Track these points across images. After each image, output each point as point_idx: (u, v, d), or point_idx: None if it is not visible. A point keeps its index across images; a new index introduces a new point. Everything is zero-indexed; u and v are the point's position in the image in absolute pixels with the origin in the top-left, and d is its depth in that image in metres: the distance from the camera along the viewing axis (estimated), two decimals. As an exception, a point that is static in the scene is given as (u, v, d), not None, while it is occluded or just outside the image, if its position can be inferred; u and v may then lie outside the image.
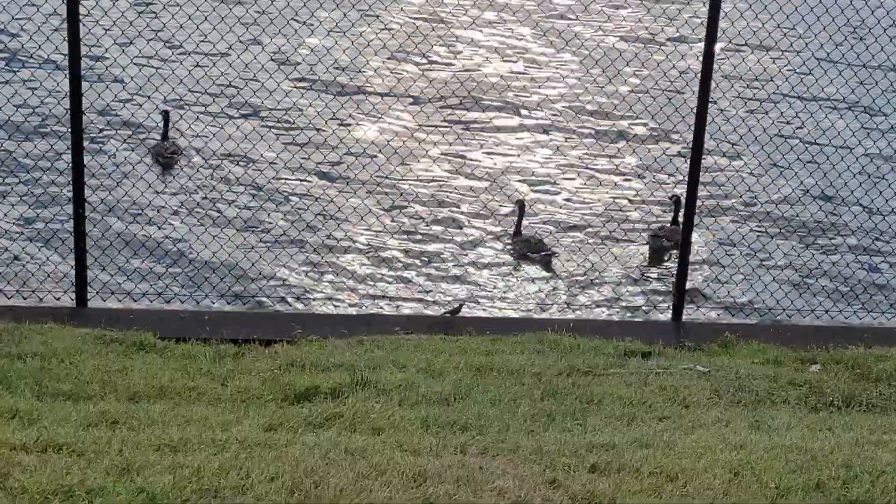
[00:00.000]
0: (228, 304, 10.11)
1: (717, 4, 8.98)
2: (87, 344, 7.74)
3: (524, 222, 12.35)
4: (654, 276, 11.83)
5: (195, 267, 10.90)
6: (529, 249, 12.11)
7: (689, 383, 7.57)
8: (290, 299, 10.56)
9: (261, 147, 13.40)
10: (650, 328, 9.70)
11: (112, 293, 9.83)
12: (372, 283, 11.22)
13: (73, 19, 8.57)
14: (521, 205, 12.37)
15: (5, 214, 11.53)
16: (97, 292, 9.53)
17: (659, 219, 12.78)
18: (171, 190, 12.53)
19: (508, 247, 12.29)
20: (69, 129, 8.91)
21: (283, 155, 13.15)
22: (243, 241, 11.59)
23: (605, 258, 11.68)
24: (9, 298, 9.41)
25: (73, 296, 9.17)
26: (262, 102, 14.43)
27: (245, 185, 12.87)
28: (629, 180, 13.81)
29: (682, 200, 11.46)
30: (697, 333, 9.30)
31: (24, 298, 9.45)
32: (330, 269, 11.38)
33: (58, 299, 9.48)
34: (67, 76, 8.69)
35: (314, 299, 10.45)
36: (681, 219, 11.74)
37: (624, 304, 11.06)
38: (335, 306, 10.44)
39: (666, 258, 12.22)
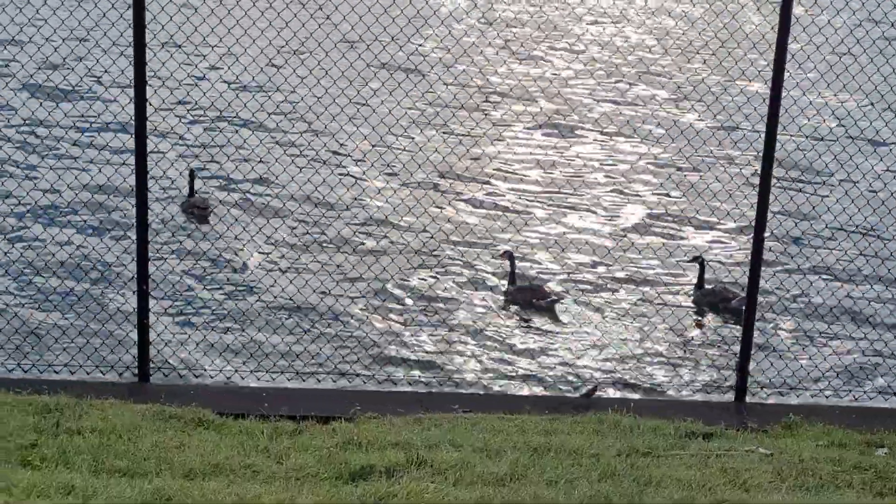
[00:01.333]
0: (288, 379, 10.12)
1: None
2: (146, 420, 7.78)
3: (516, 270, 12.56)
4: (714, 349, 11.70)
5: (256, 342, 10.97)
6: (532, 297, 12.29)
7: (751, 466, 7.43)
8: (349, 376, 10.56)
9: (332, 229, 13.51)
10: (712, 408, 9.54)
11: (174, 368, 9.90)
12: (432, 360, 11.21)
13: (140, 112, 8.70)
14: (510, 255, 12.59)
15: (71, 289, 11.70)
16: (159, 368, 9.60)
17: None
18: (232, 265, 12.64)
19: (506, 298, 12.51)
20: (133, 205, 9.04)
21: (349, 236, 13.23)
22: (303, 317, 11.67)
23: (661, 328, 11.63)
24: (73, 373, 9.50)
25: (136, 371, 9.24)
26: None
27: (315, 252, 12.96)
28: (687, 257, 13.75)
29: (705, 262, 12.31)
30: (760, 414, 9.15)
31: (88, 373, 9.54)
32: (390, 345, 11.39)
33: (120, 374, 9.57)
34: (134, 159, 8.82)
35: (374, 376, 10.43)
36: (705, 283, 12.51)
37: (685, 379, 10.93)
38: (394, 383, 10.41)
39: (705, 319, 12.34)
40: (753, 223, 9.27)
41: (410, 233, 13.93)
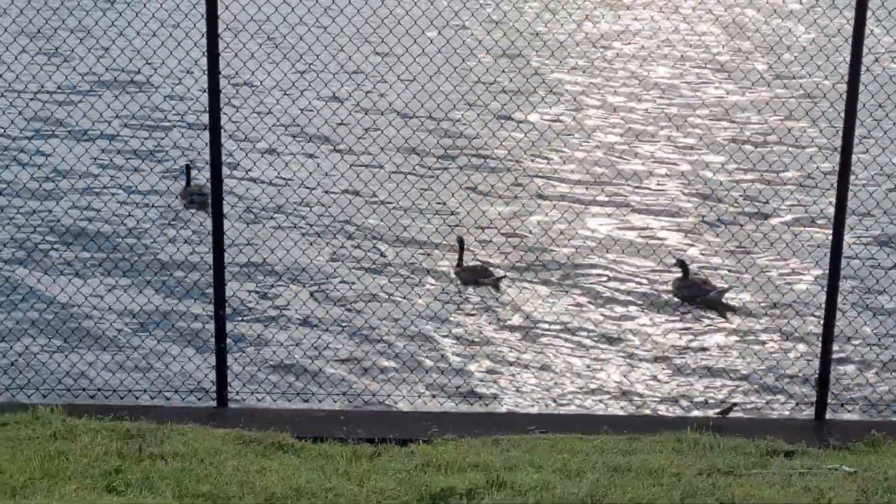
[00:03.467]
0: (365, 402, 10.16)
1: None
2: (227, 444, 7.84)
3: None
4: (792, 365, 11.58)
5: (332, 366, 11.04)
6: (478, 276, 13.23)
7: (835, 484, 7.32)
8: (425, 398, 10.58)
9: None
10: (792, 426, 9.41)
11: (252, 393, 9.98)
12: (505, 381, 11.21)
13: (214, 125, 8.81)
14: (460, 240, 13.53)
15: (149, 315, 11.86)
16: (237, 392, 9.69)
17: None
18: (309, 287, 12.72)
19: (453, 278, 13.33)
20: (210, 231, 9.12)
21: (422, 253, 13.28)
22: (376, 339, 11.74)
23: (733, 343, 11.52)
24: (152, 399, 9.62)
25: (214, 395, 9.32)
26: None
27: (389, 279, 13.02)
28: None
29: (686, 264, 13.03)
30: (842, 431, 9.00)
31: (167, 399, 9.65)
32: (464, 366, 11.41)
33: (199, 399, 9.66)
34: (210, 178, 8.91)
35: (450, 397, 10.45)
36: (691, 275, 13.15)
37: (762, 396, 10.82)
38: (470, 404, 10.42)
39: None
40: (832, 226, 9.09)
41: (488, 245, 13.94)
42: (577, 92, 20.68)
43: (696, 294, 13.08)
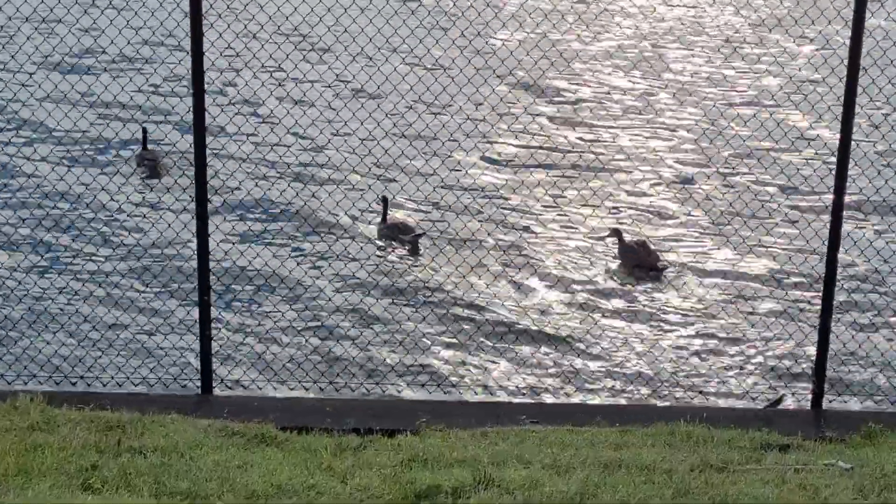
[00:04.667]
0: (352, 390, 9.98)
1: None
2: (209, 437, 7.65)
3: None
4: (787, 352, 11.41)
5: (319, 352, 10.86)
6: (398, 233, 13.51)
7: (831, 482, 7.14)
8: (414, 386, 10.41)
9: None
10: (788, 417, 9.24)
11: (237, 381, 9.81)
12: (494, 367, 11.05)
13: (199, 116, 8.60)
14: (385, 200, 13.83)
15: (132, 301, 11.66)
16: (222, 380, 9.50)
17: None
18: (296, 273, 12.52)
19: (375, 235, 13.76)
20: (194, 216, 8.93)
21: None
22: (366, 325, 11.57)
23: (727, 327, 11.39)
24: (135, 385, 9.44)
25: (199, 383, 9.14)
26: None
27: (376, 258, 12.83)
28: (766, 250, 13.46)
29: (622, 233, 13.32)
30: (838, 422, 8.82)
31: (151, 385, 9.47)
32: (453, 352, 11.24)
33: (183, 386, 9.49)
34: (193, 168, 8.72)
35: (439, 385, 10.26)
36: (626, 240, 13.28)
37: (758, 385, 10.64)
38: (460, 393, 10.24)
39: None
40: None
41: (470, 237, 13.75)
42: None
43: (636, 263, 13.19)
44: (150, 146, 15.82)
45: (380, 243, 13.69)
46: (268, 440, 7.75)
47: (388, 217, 13.92)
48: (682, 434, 8.02)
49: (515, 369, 11.01)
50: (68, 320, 11.15)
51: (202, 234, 8.90)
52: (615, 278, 13.21)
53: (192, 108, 8.46)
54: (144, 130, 15.77)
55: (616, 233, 13.54)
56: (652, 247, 13.36)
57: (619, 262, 13.42)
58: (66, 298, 11.74)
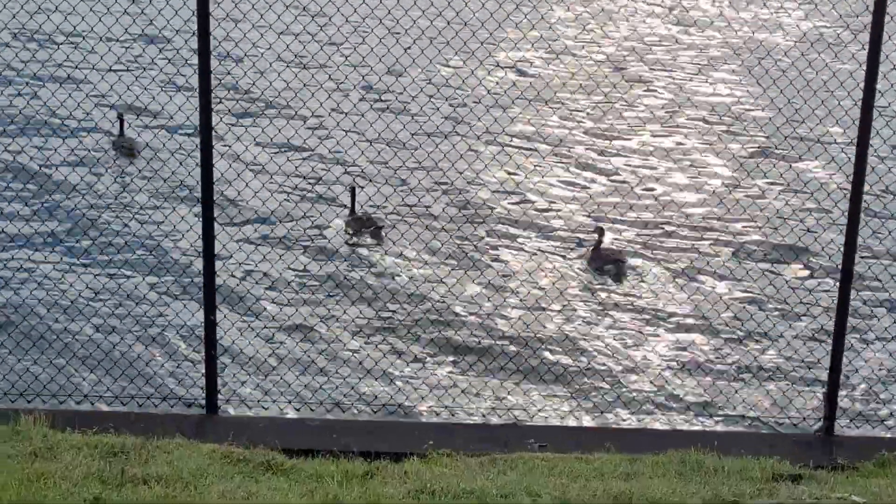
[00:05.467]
0: (358, 411, 9.89)
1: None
2: (214, 464, 7.54)
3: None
4: (797, 374, 11.29)
5: (325, 372, 10.77)
6: (362, 225, 13.97)
7: (845, 517, 7.04)
8: (423, 407, 10.31)
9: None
10: (799, 443, 9.12)
11: (242, 401, 9.71)
12: (504, 387, 10.95)
13: (206, 129, 8.51)
14: (352, 189, 14.19)
15: (137, 321, 11.58)
16: (227, 400, 9.41)
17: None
18: (302, 290, 12.44)
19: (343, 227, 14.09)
20: (200, 236, 8.84)
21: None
22: (374, 344, 11.48)
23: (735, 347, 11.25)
24: (140, 406, 9.34)
25: (203, 402, 9.05)
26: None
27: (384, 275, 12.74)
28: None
29: (604, 231, 13.69)
30: (851, 449, 8.71)
31: (155, 406, 9.37)
32: (461, 372, 11.14)
33: (188, 406, 9.40)
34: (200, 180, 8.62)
35: (447, 406, 10.15)
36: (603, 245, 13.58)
37: (770, 411, 10.52)
38: (468, 413, 10.14)
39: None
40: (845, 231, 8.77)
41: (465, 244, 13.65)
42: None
43: (600, 264, 13.57)
44: (126, 133, 16.32)
45: (349, 233, 14.05)
46: (273, 468, 7.65)
47: (355, 209, 14.22)
48: (692, 463, 7.90)
49: (519, 389, 10.91)
50: (71, 338, 11.05)
51: (208, 253, 8.81)
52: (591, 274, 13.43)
53: (200, 137, 8.36)
54: (121, 116, 16.23)
55: (600, 232, 13.75)
56: (623, 256, 13.68)
57: (589, 256, 13.74)
58: (69, 315, 11.64)
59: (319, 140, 16.27)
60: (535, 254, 13.89)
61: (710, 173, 16.57)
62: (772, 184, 15.75)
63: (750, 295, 13.06)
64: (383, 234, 13.94)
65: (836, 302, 8.94)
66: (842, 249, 8.84)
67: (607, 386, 11.07)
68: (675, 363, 11.57)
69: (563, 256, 14.00)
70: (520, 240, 14.26)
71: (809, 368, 11.27)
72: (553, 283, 12.90)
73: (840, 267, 8.92)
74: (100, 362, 10.52)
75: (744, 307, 12.67)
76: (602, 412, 10.56)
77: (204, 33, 8.34)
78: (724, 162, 16.78)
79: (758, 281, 13.21)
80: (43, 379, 10.02)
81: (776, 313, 12.59)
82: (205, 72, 8.38)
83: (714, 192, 15.65)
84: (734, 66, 20.52)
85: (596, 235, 13.79)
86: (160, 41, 17.70)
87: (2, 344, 10.95)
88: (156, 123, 16.47)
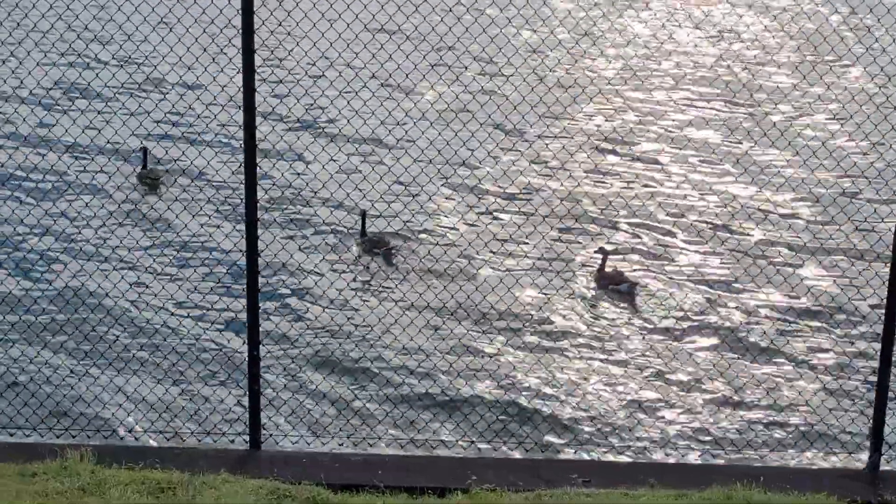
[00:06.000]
0: (402, 446, 9.90)
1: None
2: (261, 500, 7.57)
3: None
4: (840, 406, 11.21)
5: (368, 408, 10.81)
6: (373, 246, 14.24)
7: (892, 558, 6.97)
8: (463, 442, 10.31)
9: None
10: (845, 478, 9.04)
11: (284, 436, 9.74)
12: (549, 421, 10.94)
13: (250, 166, 8.57)
14: (363, 213, 14.56)
15: (181, 356, 11.66)
16: (270, 435, 9.44)
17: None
18: (344, 329, 12.50)
19: (355, 247, 14.45)
20: (244, 271, 8.88)
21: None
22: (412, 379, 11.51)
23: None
24: (184, 441, 9.38)
25: (247, 437, 9.08)
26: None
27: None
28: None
29: (607, 252, 13.85)
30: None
31: (199, 441, 9.41)
32: (503, 407, 11.14)
33: (232, 441, 9.42)
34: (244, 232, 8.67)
35: (489, 441, 10.15)
36: (607, 268, 13.72)
37: (815, 445, 10.44)
38: (511, 448, 10.13)
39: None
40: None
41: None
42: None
43: (606, 284, 13.67)
44: (149, 165, 16.53)
45: (361, 257, 14.37)
46: (320, 503, 7.67)
47: (366, 230, 14.55)
48: (739, 499, 7.87)
49: (558, 422, 10.91)
50: (116, 373, 11.14)
51: (252, 289, 8.85)
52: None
53: (245, 173, 8.41)
54: (145, 150, 16.46)
55: (603, 252, 13.89)
56: (626, 274, 13.81)
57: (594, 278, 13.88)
58: (114, 351, 11.74)
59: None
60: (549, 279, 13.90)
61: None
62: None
63: (785, 321, 13.04)
64: (393, 254, 14.23)
65: (881, 334, 8.88)
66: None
67: (642, 419, 11.03)
68: (708, 394, 11.52)
69: (575, 279, 14.04)
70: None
71: (854, 401, 11.20)
72: (571, 309, 12.95)
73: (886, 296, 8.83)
74: (144, 397, 10.59)
75: (778, 332, 12.63)
76: (644, 448, 10.53)
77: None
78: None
79: (796, 309, 13.17)
80: (88, 414, 10.09)
81: (818, 345, 12.53)
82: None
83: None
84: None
85: (600, 256, 13.93)
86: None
87: (48, 380, 11.03)
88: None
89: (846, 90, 19.71)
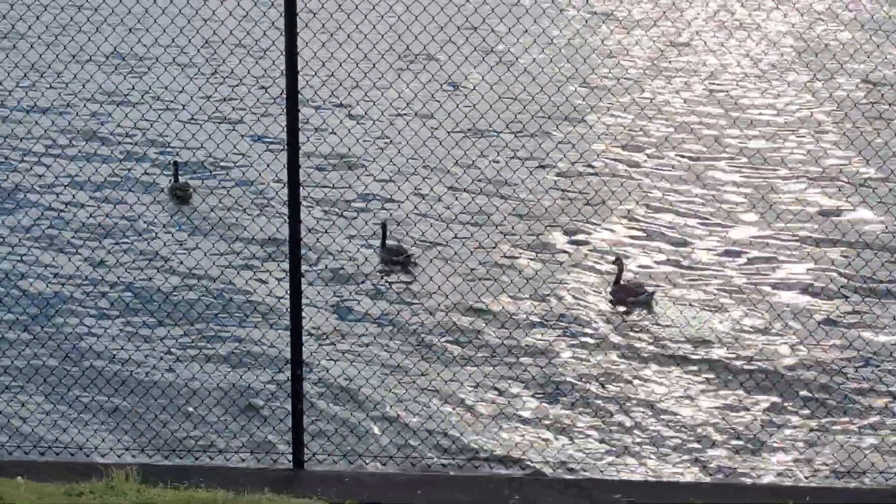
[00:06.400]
0: (443, 465, 9.92)
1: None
2: (304, 520, 7.61)
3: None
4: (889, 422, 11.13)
5: (408, 425, 10.83)
6: (394, 255, 14.50)
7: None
8: (507, 463, 10.30)
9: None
10: (886, 496, 8.95)
11: (328, 455, 9.77)
12: (593, 438, 10.92)
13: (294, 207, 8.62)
14: (384, 224, 14.79)
15: (224, 375, 11.74)
16: (313, 454, 9.47)
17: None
18: (386, 347, 12.53)
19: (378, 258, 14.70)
20: (287, 291, 8.93)
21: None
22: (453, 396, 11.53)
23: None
24: (227, 460, 9.43)
25: (290, 457, 9.12)
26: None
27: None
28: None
29: (623, 262, 13.85)
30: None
31: (243, 460, 9.46)
32: (546, 424, 11.14)
33: (275, 460, 9.47)
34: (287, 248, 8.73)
35: (531, 461, 10.14)
36: (623, 280, 13.76)
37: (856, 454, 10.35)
38: (553, 469, 10.11)
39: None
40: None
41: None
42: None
43: (624, 296, 13.67)
44: (181, 179, 16.79)
45: (380, 267, 14.56)
46: (361, 524, 7.69)
47: (386, 241, 14.80)
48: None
49: (596, 440, 10.90)
50: (160, 393, 11.22)
51: (295, 308, 8.89)
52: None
53: (288, 198, 8.46)
54: (175, 164, 16.68)
55: (618, 263, 13.91)
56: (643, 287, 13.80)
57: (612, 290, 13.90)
58: (158, 370, 11.83)
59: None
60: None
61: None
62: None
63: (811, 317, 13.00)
64: (412, 262, 14.45)
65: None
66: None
67: (682, 436, 10.99)
68: (747, 412, 11.46)
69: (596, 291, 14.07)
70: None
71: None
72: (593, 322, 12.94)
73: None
74: (188, 417, 10.66)
75: (810, 335, 12.58)
76: (685, 464, 10.49)
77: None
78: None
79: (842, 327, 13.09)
80: (133, 434, 10.17)
81: (861, 361, 12.45)
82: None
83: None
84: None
85: (615, 267, 13.94)
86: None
87: (93, 399, 11.13)
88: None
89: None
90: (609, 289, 13.92)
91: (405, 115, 15.87)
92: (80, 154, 17.18)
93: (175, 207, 16.53)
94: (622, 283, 13.80)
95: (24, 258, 14.15)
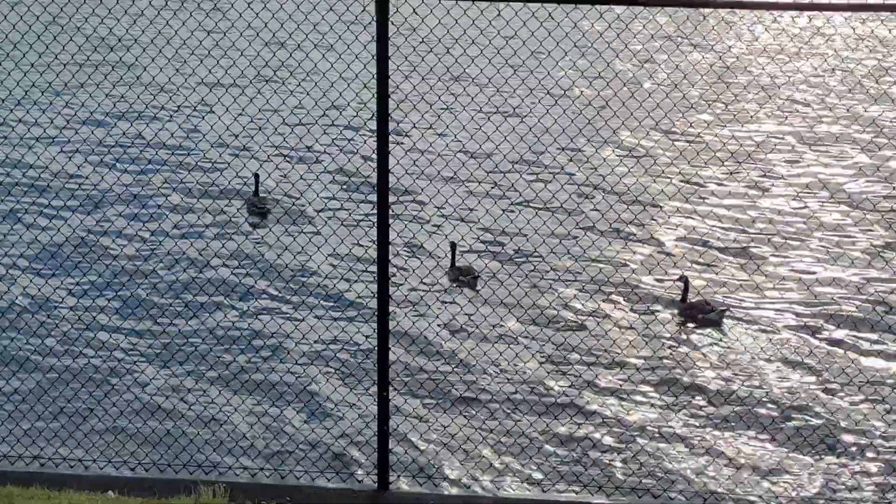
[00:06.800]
0: (528, 489, 9.87)
1: None
2: (388, 541, 7.61)
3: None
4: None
5: (495, 449, 10.80)
6: (460, 274, 14.75)
7: None
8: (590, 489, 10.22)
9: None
10: None
11: (413, 477, 9.78)
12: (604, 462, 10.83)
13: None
14: (453, 245, 14.91)
15: (312, 395, 11.80)
16: (398, 475, 9.48)
17: None
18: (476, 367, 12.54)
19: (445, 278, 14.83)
20: (375, 310, 8.95)
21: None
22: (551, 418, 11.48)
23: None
24: (313, 479, 9.47)
25: (375, 478, 9.13)
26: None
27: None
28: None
29: (688, 280, 13.83)
30: None
31: (328, 479, 9.49)
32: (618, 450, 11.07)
33: (360, 481, 9.49)
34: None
35: (634, 489, 10.05)
36: (689, 297, 13.79)
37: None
38: (639, 496, 10.00)
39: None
40: None
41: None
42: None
43: (694, 314, 13.74)
44: (261, 193, 16.60)
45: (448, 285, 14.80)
46: (448, 551, 7.68)
47: (455, 261, 15.00)
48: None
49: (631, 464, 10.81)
50: (248, 412, 11.32)
51: (383, 329, 8.90)
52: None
53: (377, 214, 8.48)
54: (256, 177, 16.31)
55: (684, 281, 13.97)
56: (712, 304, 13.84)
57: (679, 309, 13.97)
58: (247, 389, 11.93)
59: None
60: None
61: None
62: None
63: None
64: (480, 281, 14.69)
65: None
66: None
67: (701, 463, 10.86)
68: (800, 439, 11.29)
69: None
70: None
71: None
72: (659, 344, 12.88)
73: None
74: (275, 435, 10.74)
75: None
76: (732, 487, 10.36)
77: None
78: None
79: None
80: (221, 451, 10.27)
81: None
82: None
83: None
84: None
85: (681, 285, 13.97)
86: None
87: (182, 416, 11.27)
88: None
89: None
90: (678, 307, 13.98)
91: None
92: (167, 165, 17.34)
93: (253, 222, 16.54)
94: (690, 300, 13.88)
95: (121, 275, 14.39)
